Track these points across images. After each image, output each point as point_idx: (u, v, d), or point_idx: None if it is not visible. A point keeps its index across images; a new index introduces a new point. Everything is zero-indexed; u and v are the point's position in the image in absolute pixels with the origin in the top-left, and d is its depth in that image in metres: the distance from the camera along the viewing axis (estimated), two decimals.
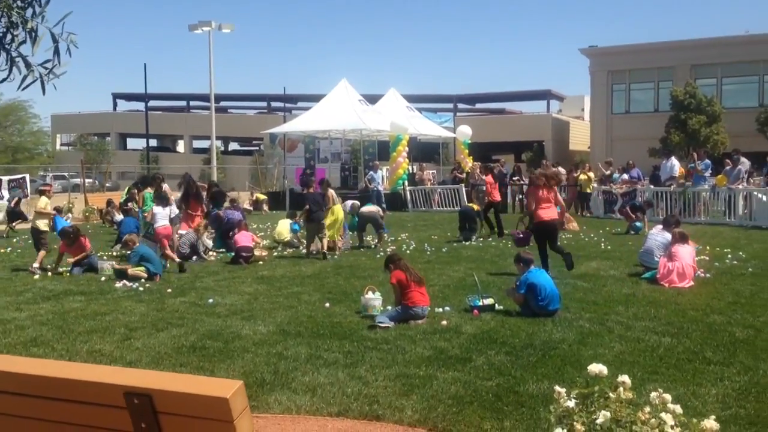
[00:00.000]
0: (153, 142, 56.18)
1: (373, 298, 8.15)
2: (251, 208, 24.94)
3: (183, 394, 2.09)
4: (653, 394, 3.14)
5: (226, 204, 16.01)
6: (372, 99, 31.13)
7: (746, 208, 18.36)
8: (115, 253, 14.08)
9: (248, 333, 7.29)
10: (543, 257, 10.53)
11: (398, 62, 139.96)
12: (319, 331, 7.30)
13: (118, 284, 10.46)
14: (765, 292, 9.16)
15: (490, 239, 15.60)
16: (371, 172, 25.14)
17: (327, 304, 8.67)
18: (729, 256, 12.38)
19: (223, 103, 61.99)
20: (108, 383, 2.18)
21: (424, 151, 36.81)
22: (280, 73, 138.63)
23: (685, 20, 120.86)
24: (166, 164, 48.96)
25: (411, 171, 28.63)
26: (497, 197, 16.89)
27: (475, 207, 16.26)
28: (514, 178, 24.61)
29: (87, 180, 32.36)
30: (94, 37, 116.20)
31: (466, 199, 22.75)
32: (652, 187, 20.80)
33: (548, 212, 10.78)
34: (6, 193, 22.13)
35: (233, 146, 67.67)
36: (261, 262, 12.64)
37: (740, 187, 18.56)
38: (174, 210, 13.62)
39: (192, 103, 65.09)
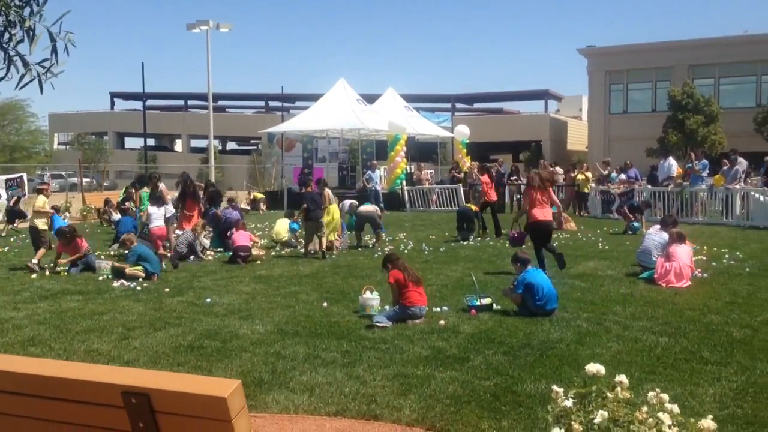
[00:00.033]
0: (151, 142, 56.22)
1: (371, 298, 8.15)
2: (249, 208, 24.95)
3: (181, 393, 2.09)
4: (651, 394, 3.14)
5: (224, 204, 16.02)
6: (370, 98, 31.14)
7: (743, 208, 18.39)
8: (112, 253, 14.06)
9: (246, 332, 7.29)
10: (539, 257, 10.55)
11: (396, 62, 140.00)
12: (316, 331, 7.30)
13: (116, 284, 10.46)
14: (762, 292, 9.17)
15: (488, 239, 15.61)
16: (369, 172, 25.14)
17: (325, 304, 8.68)
18: (726, 256, 12.39)
19: (221, 103, 61.99)
20: (106, 383, 2.18)
21: (422, 151, 36.82)
22: (278, 73, 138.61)
23: (683, 20, 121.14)
24: (163, 164, 48.99)
25: (409, 171, 28.65)
26: (494, 197, 16.91)
27: (474, 207, 16.26)
28: (511, 178, 24.62)
29: (84, 179, 32.31)
30: (92, 36, 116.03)
31: (464, 198, 22.76)
32: (649, 187, 20.81)
33: (543, 212, 10.84)
34: (3, 193, 22.10)
35: (231, 146, 67.65)
36: (259, 262, 12.64)
37: (737, 187, 18.58)
38: (170, 209, 13.62)
39: (190, 102, 65.05)
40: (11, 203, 19.98)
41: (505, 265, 11.04)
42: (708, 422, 3.00)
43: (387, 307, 7.97)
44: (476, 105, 61.45)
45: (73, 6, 4.61)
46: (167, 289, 9.92)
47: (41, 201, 12.79)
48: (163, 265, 11.81)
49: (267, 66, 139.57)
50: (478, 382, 5.55)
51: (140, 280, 10.64)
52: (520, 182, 23.38)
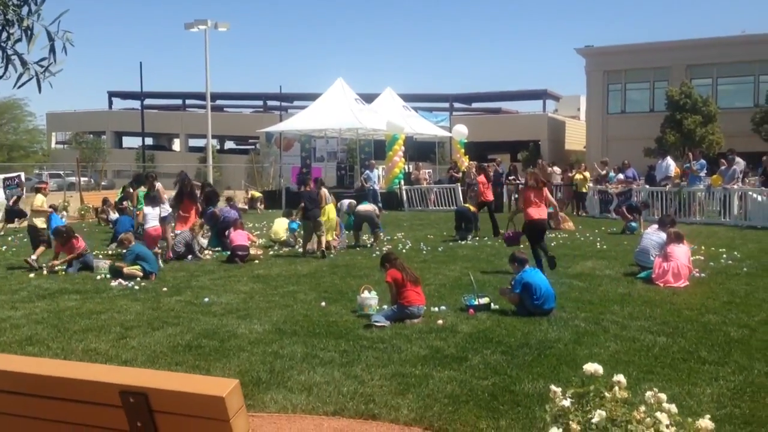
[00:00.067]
0: (149, 141, 56.14)
1: (369, 297, 8.15)
2: (246, 207, 24.94)
3: (179, 393, 2.09)
4: (648, 394, 3.15)
5: (222, 203, 15.99)
6: (368, 98, 31.13)
7: (741, 208, 18.41)
8: (110, 252, 14.05)
9: (244, 332, 7.29)
10: (536, 256, 10.58)
11: (394, 61, 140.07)
12: (314, 330, 7.30)
13: (114, 283, 10.45)
14: (760, 291, 9.18)
15: (486, 238, 15.60)
16: (367, 171, 25.14)
17: (323, 303, 8.68)
18: (724, 255, 12.41)
19: (219, 102, 61.91)
20: (104, 382, 2.18)
21: (420, 151, 36.83)
22: (276, 72, 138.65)
23: (681, 20, 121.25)
24: (161, 163, 48.93)
25: (407, 170, 28.66)
26: (490, 197, 16.90)
27: (472, 208, 16.25)
28: (510, 178, 24.63)
29: (82, 178, 32.29)
30: (90, 35, 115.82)
31: (462, 198, 22.76)
32: (647, 186, 20.83)
33: (538, 211, 10.92)
34: (1, 192, 22.04)
35: (229, 145, 67.62)
36: (257, 261, 12.63)
37: (735, 187, 18.61)
38: (167, 208, 13.59)
39: (188, 101, 65.02)
40: (11, 203, 19.96)
41: (503, 264, 11.04)
42: (706, 422, 3.00)
43: (385, 307, 7.97)
44: (474, 105, 61.49)
45: (71, 5, 4.60)
46: (165, 289, 9.91)
47: (39, 200, 12.77)
48: (161, 263, 11.81)
49: (265, 65, 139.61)
50: (476, 381, 5.55)
51: (138, 279, 10.63)
52: (518, 182, 23.39)
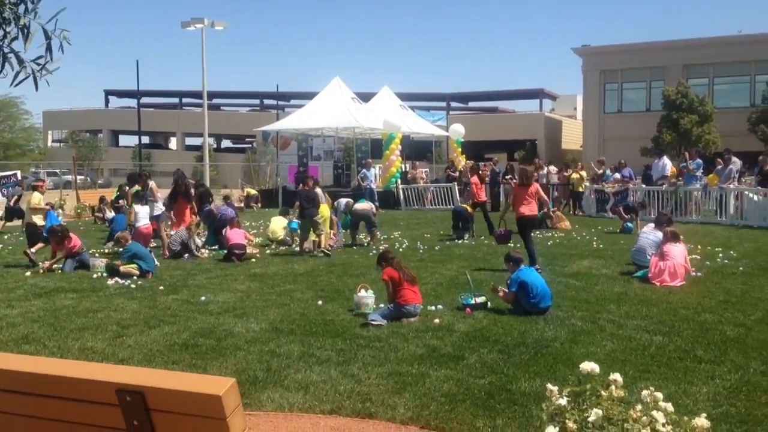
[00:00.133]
0: (145, 139, 55.96)
1: (366, 296, 8.15)
2: (242, 205, 24.93)
3: (175, 391, 2.09)
4: (645, 392, 3.15)
5: (219, 201, 15.97)
6: (365, 97, 31.13)
7: (737, 207, 18.46)
8: (107, 251, 14.03)
9: (241, 330, 7.29)
10: (530, 253, 10.61)
11: (391, 60, 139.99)
12: (311, 329, 7.30)
13: (110, 281, 10.43)
14: (756, 290, 9.21)
15: (482, 237, 15.61)
16: (364, 170, 25.15)
17: (320, 302, 8.67)
18: (720, 255, 12.44)
19: (215, 101, 61.83)
20: (100, 380, 2.18)
21: (417, 150, 36.83)
22: (273, 71, 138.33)
23: (678, 20, 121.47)
24: (158, 161, 48.83)
25: (404, 169, 28.66)
26: (482, 197, 16.91)
27: (468, 209, 16.23)
28: (506, 177, 24.66)
29: (79, 177, 32.26)
30: (87, 33, 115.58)
31: (458, 197, 22.76)
32: (644, 186, 20.88)
33: (529, 207, 11.01)
34: None
35: (226, 143, 67.53)
36: (253, 260, 12.62)
37: (731, 186, 18.66)
38: (160, 207, 13.56)
39: (184, 100, 64.86)
40: (11, 202, 19.93)
41: (500, 263, 11.04)
42: (702, 420, 3.01)
43: (382, 306, 7.97)
44: (471, 104, 61.46)
45: (68, 3, 4.59)
46: (162, 287, 9.90)
47: (36, 198, 12.74)
48: (156, 262, 11.79)
49: (262, 64, 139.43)
50: (473, 380, 5.56)
51: (135, 278, 10.62)
52: (515, 181, 23.40)
